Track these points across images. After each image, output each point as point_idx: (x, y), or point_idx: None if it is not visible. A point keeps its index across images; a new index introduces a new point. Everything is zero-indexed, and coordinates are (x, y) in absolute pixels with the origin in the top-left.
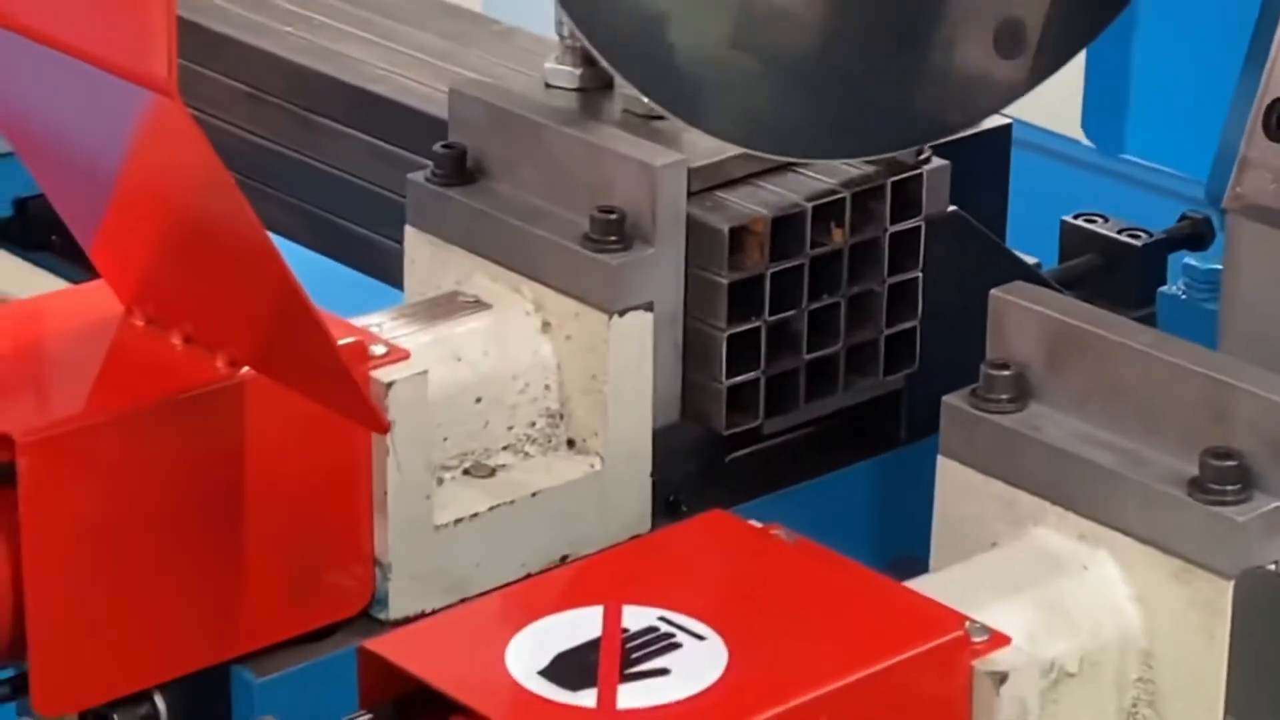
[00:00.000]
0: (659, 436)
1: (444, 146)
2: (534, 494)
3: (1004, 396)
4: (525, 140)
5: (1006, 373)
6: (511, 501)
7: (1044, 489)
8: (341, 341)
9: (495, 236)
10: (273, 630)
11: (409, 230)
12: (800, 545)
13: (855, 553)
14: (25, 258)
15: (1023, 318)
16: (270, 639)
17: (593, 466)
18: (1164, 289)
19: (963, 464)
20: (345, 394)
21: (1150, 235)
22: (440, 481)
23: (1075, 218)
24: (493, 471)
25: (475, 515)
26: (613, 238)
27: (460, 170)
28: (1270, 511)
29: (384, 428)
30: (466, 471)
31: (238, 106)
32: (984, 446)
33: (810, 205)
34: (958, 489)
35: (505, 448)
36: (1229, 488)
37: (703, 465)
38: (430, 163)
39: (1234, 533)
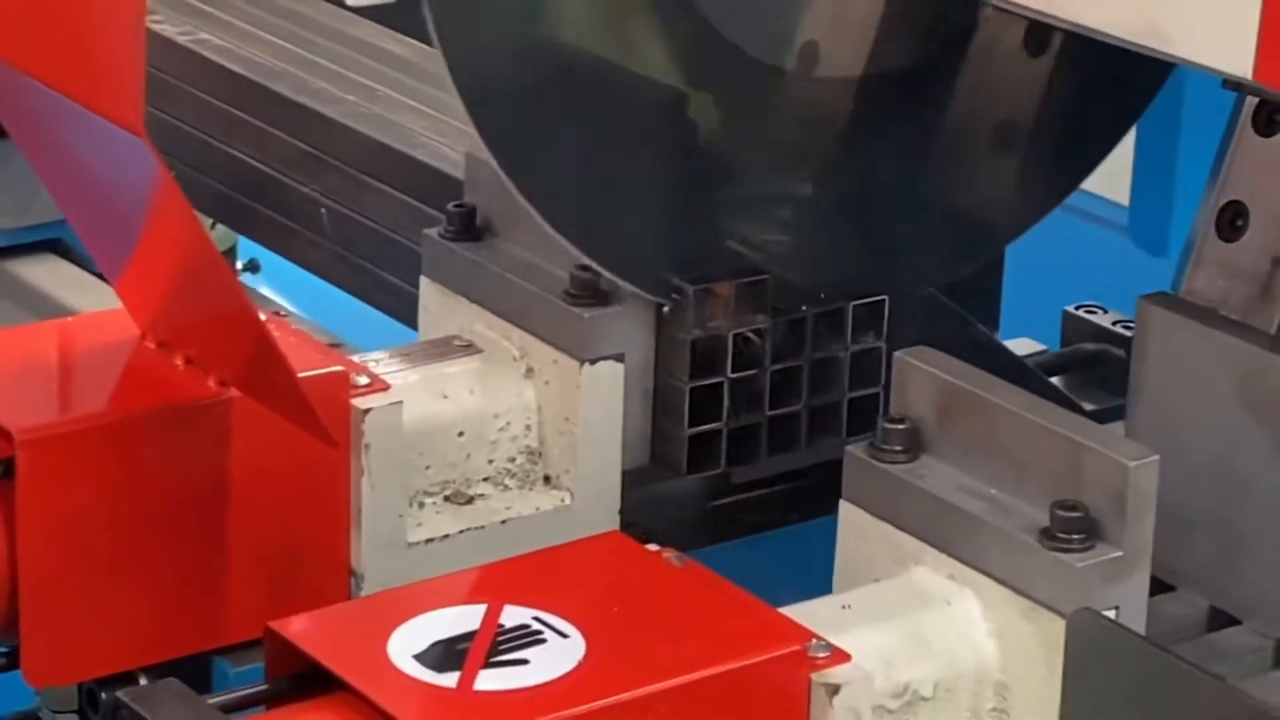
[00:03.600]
0: (629, 477)
1: (456, 205)
2: (503, 521)
3: (898, 448)
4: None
5: (901, 427)
6: (482, 527)
7: (924, 532)
8: (327, 370)
9: (491, 288)
10: (252, 626)
11: (423, 280)
12: (688, 568)
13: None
14: None
15: (920, 378)
16: (249, 634)
17: (563, 501)
18: None
19: (859, 507)
20: (304, 414)
21: None
22: (421, 505)
23: (1077, 308)
24: (471, 500)
25: (446, 536)
26: (589, 293)
27: (469, 227)
28: (1110, 560)
29: (334, 444)
30: (447, 498)
31: (302, 165)
32: (877, 492)
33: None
34: (854, 530)
35: (485, 479)
36: (1074, 537)
37: (676, 508)
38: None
39: (1073, 577)
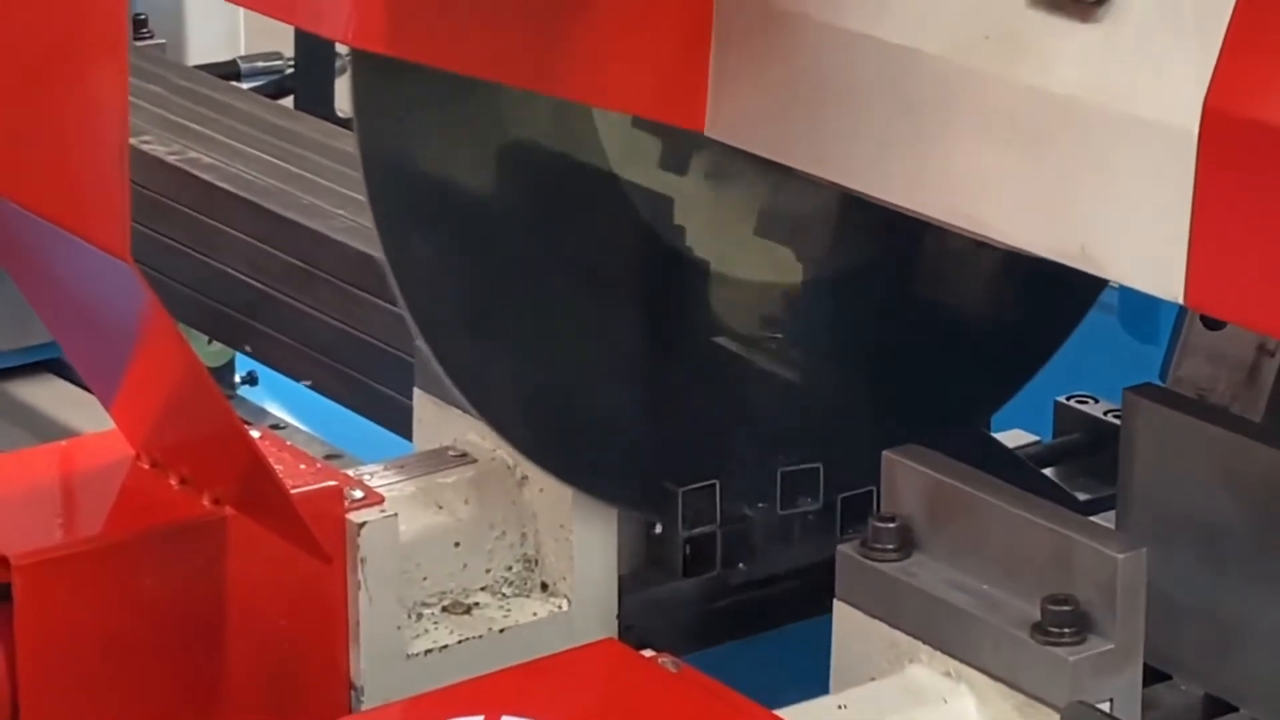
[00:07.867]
0: (626, 581)
1: None
2: (502, 630)
3: (889, 547)
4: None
5: (891, 525)
6: (480, 636)
7: (918, 630)
8: (321, 485)
9: None
10: None
11: (416, 392)
12: (683, 673)
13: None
14: None
15: (909, 476)
16: None
17: (559, 608)
18: None
19: (853, 607)
20: (297, 530)
21: None
22: (419, 616)
23: (1069, 398)
24: (469, 610)
25: (445, 647)
26: None
27: None
28: (1102, 653)
29: (327, 559)
30: (445, 609)
31: (293, 279)
32: (870, 591)
33: None
34: (849, 629)
35: (483, 588)
36: (1065, 630)
37: (675, 611)
38: None
39: (1065, 671)
